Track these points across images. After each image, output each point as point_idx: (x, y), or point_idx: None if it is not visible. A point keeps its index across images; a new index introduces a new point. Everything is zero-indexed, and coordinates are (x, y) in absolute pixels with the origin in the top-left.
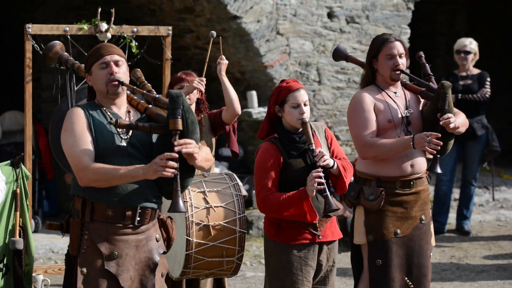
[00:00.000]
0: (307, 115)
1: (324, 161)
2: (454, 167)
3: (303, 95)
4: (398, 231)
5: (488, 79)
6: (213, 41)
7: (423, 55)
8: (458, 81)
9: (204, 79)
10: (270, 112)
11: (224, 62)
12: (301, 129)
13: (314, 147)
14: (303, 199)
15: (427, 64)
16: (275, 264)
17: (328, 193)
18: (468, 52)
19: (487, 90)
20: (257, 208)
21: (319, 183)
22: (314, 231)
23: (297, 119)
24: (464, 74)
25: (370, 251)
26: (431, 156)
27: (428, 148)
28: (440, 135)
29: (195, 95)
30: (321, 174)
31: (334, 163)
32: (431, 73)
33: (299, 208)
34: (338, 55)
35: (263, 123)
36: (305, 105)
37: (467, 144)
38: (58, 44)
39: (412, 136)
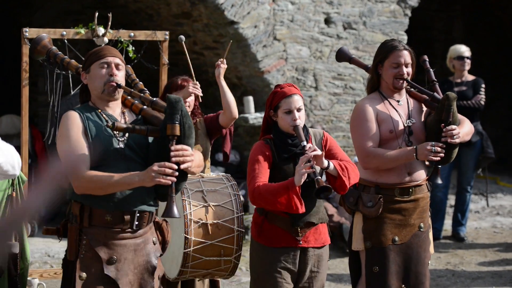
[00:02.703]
0: (300, 121)
1: (317, 156)
2: (449, 173)
3: (296, 101)
4: (396, 238)
5: (483, 85)
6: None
7: (427, 59)
8: (453, 88)
9: (198, 83)
10: (266, 116)
11: (223, 66)
12: (295, 134)
13: (305, 143)
14: (290, 189)
15: (431, 70)
16: (256, 265)
17: (318, 177)
18: (468, 58)
19: (482, 96)
20: (253, 213)
21: (309, 167)
22: (295, 236)
23: (289, 125)
24: (459, 80)
25: (367, 258)
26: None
27: (433, 158)
28: (444, 145)
29: (193, 101)
30: (310, 158)
31: (328, 163)
32: (435, 79)
33: (286, 198)
34: (342, 56)
35: (262, 126)
36: (298, 110)
37: (462, 150)
38: (46, 38)
39: (415, 147)
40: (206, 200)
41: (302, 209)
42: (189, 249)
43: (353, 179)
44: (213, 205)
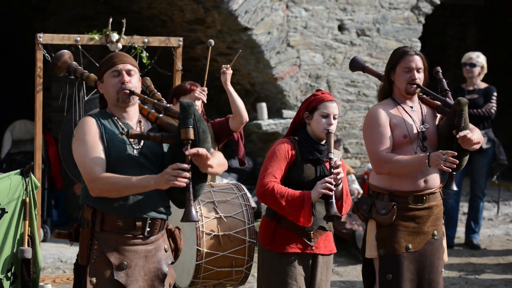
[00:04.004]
0: (333, 128)
1: (339, 173)
2: (460, 180)
3: (334, 108)
4: (410, 246)
5: (495, 93)
6: (211, 49)
7: (441, 70)
8: (464, 95)
9: (206, 89)
10: (297, 117)
11: (229, 72)
12: (323, 141)
13: (332, 156)
14: (305, 202)
15: (444, 80)
16: (269, 273)
17: (333, 200)
18: (473, 65)
19: (493, 104)
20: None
21: (329, 189)
22: (307, 241)
23: (323, 129)
24: (471, 88)
25: (381, 266)
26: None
27: (443, 167)
28: (456, 153)
29: (199, 107)
30: (333, 182)
31: (341, 183)
32: (448, 89)
33: (297, 209)
34: (355, 65)
35: (289, 127)
36: (334, 118)
37: (474, 157)
38: (66, 53)
39: (427, 154)
40: (218, 212)
41: (308, 224)
42: (201, 261)
43: (345, 211)
44: (224, 216)
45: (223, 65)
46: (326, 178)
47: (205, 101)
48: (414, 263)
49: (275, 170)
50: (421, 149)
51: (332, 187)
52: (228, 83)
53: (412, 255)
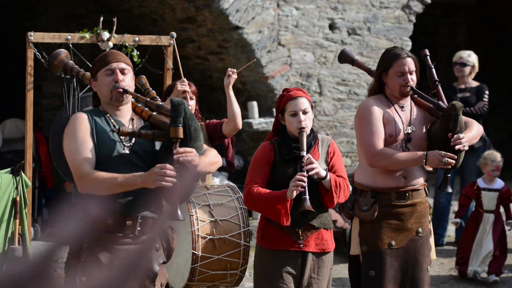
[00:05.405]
0: (306, 123)
1: (312, 169)
2: (452, 179)
3: (301, 103)
4: (393, 242)
5: (487, 92)
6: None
7: (428, 54)
8: (456, 94)
9: (185, 79)
10: (276, 120)
11: (234, 77)
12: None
13: (304, 154)
14: (281, 200)
15: (433, 67)
16: (258, 269)
17: (307, 196)
18: (464, 64)
19: (485, 103)
20: (257, 218)
21: (301, 186)
22: (295, 239)
23: (295, 127)
24: (462, 86)
25: (364, 262)
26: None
27: (443, 167)
28: (455, 156)
29: (194, 105)
30: (305, 179)
31: (326, 174)
32: (437, 79)
33: (274, 209)
34: (344, 57)
35: (272, 129)
36: (304, 113)
37: (464, 156)
38: (63, 52)
39: (425, 153)
40: (213, 215)
41: (286, 223)
42: (196, 265)
43: (341, 199)
44: (220, 220)
45: (229, 69)
46: (297, 176)
47: (189, 89)
48: (397, 259)
49: (255, 176)
50: (403, 150)
51: (303, 183)
52: (230, 87)
53: (395, 251)
